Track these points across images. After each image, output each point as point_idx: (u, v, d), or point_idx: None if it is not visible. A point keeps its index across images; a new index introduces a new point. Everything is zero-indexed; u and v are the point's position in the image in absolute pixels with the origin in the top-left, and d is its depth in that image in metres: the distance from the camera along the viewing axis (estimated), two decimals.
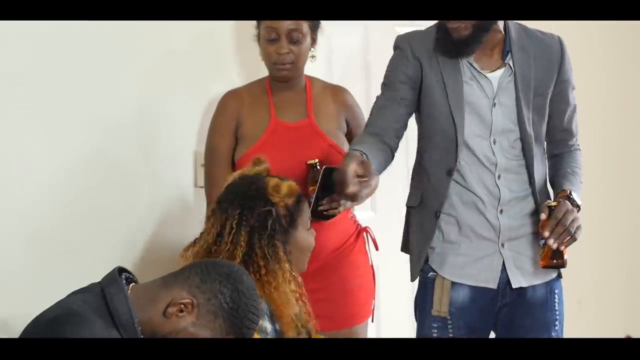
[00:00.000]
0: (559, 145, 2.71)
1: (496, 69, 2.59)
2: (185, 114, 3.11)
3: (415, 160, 2.72)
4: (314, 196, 2.76)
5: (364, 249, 2.98)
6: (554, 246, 2.44)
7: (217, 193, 2.68)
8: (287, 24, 2.84)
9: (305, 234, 2.41)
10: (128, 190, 2.98)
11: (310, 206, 2.77)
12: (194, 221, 3.09)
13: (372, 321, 3.00)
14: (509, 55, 2.58)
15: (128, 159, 2.98)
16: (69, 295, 2.05)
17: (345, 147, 2.95)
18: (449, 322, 2.58)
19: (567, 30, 2.93)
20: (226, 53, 3.20)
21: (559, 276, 2.67)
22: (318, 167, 2.81)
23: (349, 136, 3.00)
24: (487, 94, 2.57)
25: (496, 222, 2.58)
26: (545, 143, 2.70)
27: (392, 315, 3.65)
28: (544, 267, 2.51)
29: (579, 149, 2.73)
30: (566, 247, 2.46)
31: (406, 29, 3.67)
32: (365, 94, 3.45)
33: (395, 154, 2.62)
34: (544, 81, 2.60)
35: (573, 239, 2.45)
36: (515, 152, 2.59)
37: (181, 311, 1.96)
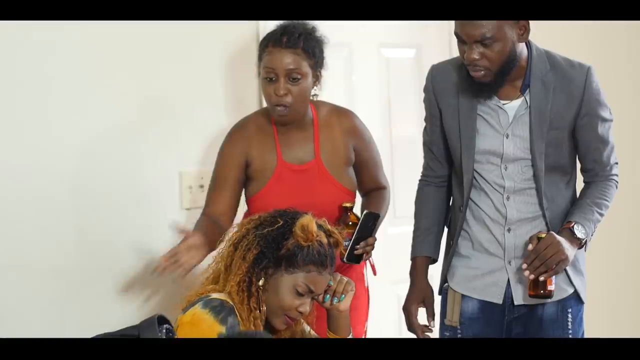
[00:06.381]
0: (589, 174, 2.71)
1: (514, 99, 2.61)
2: (171, 135, 3.10)
3: None
4: (350, 239, 2.73)
5: (361, 271, 2.97)
6: (531, 277, 2.52)
7: (210, 211, 2.71)
8: (285, 64, 2.76)
9: (288, 290, 2.34)
10: (114, 213, 2.97)
11: (345, 250, 2.71)
12: None
13: None
14: (527, 89, 2.59)
15: (113, 182, 2.97)
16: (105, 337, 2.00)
17: (353, 182, 2.92)
18: (459, 331, 2.71)
19: None
20: (213, 74, 3.19)
21: (579, 299, 2.68)
22: (353, 212, 2.80)
23: (358, 157, 2.95)
24: (502, 124, 2.62)
25: (502, 239, 2.66)
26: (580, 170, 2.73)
27: (380, 335, 3.64)
28: (531, 296, 2.57)
29: (612, 180, 2.70)
30: (546, 278, 2.52)
31: (391, 50, 3.71)
32: None
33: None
34: (561, 115, 2.60)
35: (552, 272, 2.51)
36: (525, 176, 2.63)
37: None
